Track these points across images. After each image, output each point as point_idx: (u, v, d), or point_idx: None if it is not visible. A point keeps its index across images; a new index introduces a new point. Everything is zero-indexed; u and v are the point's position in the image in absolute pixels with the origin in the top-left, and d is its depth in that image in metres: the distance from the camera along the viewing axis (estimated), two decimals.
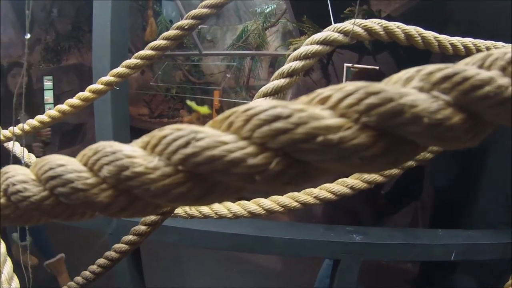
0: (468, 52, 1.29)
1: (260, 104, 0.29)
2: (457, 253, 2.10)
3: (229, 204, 1.35)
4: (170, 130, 0.31)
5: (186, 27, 1.36)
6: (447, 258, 2.11)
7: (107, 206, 0.33)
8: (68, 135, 7.20)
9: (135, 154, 0.32)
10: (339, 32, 1.03)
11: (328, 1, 1.74)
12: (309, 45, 1.02)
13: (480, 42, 1.34)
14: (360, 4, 4.58)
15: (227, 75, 6.54)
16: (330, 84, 3.89)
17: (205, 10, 1.34)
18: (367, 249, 1.97)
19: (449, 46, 1.22)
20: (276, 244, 1.97)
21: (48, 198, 0.34)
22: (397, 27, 1.10)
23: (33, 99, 7.01)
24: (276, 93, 1.06)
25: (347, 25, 1.03)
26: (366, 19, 3.50)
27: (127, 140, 2.24)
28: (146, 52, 1.45)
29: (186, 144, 0.30)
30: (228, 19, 6.89)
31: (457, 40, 1.26)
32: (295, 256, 2.27)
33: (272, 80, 1.06)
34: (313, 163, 0.29)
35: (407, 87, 0.28)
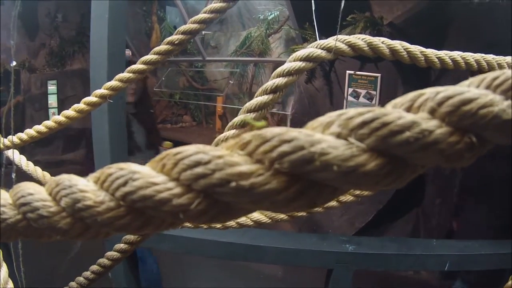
0: (456, 65, 1.29)
1: (188, 148, 0.32)
2: (452, 263, 2.09)
3: None
4: (114, 169, 0.34)
5: (176, 42, 1.38)
6: (441, 268, 2.10)
7: (66, 231, 0.36)
8: (72, 140, 7.23)
9: (87, 188, 0.35)
10: (322, 49, 1.04)
11: (313, 11, 1.74)
12: (292, 61, 1.03)
13: (469, 55, 1.34)
14: (362, 11, 4.59)
15: (230, 81, 6.56)
16: (332, 91, 3.89)
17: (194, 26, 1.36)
18: (360, 259, 1.97)
19: (436, 60, 1.22)
20: (268, 253, 1.98)
21: (21, 221, 0.38)
22: (382, 42, 1.10)
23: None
24: (260, 109, 1.08)
25: (330, 41, 1.04)
26: (368, 26, 3.50)
27: (125, 149, 2.25)
28: (138, 66, 1.47)
29: (125, 183, 0.33)
30: (232, 26, 6.91)
31: (444, 53, 1.26)
32: (288, 265, 2.27)
33: (256, 97, 1.08)
34: (232, 204, 0.31)
35: (325, 132, 0.30)
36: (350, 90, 4.73)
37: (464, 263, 2.17)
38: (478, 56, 1.35)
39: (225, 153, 0.30)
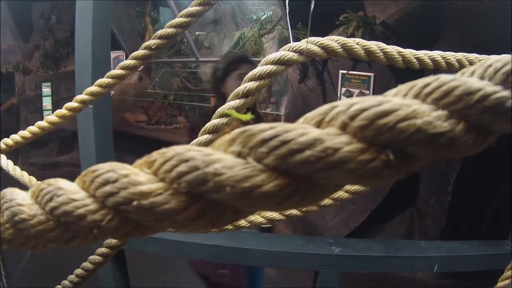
0: (436, 66, 1.27)
1: (102, 166, 0.33)
2: (440, 265, 2.07)
3: None
4: (45, 185, 0.35)
5: (153, 47, 1.38)
6: (430, 270, 2.09)
7: (9, 241, 0.38)
8: (66, 142, 7.22)
9: (24, 202, 0.36)
10: (294, 51, 1.03)
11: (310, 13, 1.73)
12: (263, 65, 1.02)
13: (450, 55, 1.31)
14: (355, 11, 4.59)
15: None
16: (325, 91, 3.88)
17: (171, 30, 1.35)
18: (346, 261, 1.96)
19: (414, 60, 1.20)
20: (254, 256, 1.96)
21: None
22: (357, 43, 1.08)
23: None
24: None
25: (302, 44, 1.02)
26: (360, 25, 3.49)
27: (111, 153, 2.24)
28: (117, 71, 1.48)
29: (51, 199, 0.34)
30: (226, 26, 6.90)
31: (424, 54, 1.23)
32: (274, 268, 2.26)
33: (228, 101, 1.08)
34: (141, 222, 0.32)
35: (227, 151, 0.29)
36: (343, 89, 4.73)
37: (454, 265, 2.15)
38: (460, 55, 1.33)
39: (132, 172, 0.31)
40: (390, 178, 0.29)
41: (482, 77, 0.30)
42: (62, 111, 1.59)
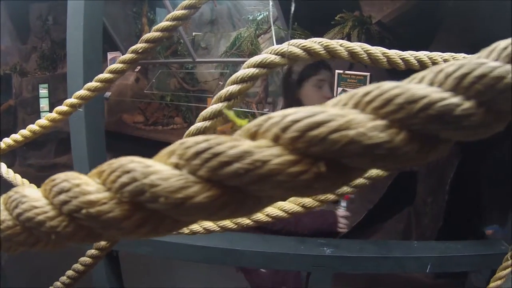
0: (422, 67, 1.27)
1: (59, 176, 0.34)
2: (433, 265, 2.07)
3: None
4: (12, 193, 0.37)
5: (140, 50, 1.38)
6: (422, 270, 2.09)
7: None
8: (64, 143, 7.22)
9: None
10: (276, 54, 1.03)
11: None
12: (246, 68, 1.03)
13: (437, 55, 1.30)
14: (351, 10, 4.59)
15: (220, 82, 6.54)
16: None
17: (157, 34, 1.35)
18: (337, 262, 1.96)
19: (400, 61, 1.19)
20: (246, 257, 1.97)
21: None
22: (340, 45, 1.08)
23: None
24: (215, 116, 1.09)
25: (284, 46, 1.02)
26: (356, 25, 3.48)
27: (103, 155, 2.24)
28: (105, 75, 1.49)
29: (17, 205, 0.35)
30: (222, 26, 6.89)
31: (409, 54, 1.22)
32: (266, 268, 2.26)
33: (211, 105, 1.09)
34: (92, 229, 0.33)
35: (167, 162, 0.30)
36: (340, 89, 4.73)
37: (446, 265, 2.15)
38: (447, 55, 1.32)
39: (84, 182, 0.33)
40: (326, 190, 0.29)
41: (431, 83, 0.30)
42: (53, 114, 1.60)
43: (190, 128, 1.14)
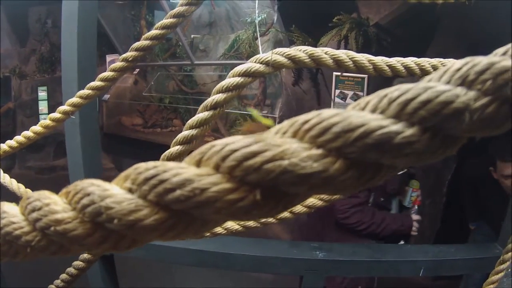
0: (410, 73, 1.27)
1: (33, 195, 0.36)
2: (426, 269, 2.08)
3: None
4: None
5: (130, 59, 1.41)
6: (415, 274, 2.09)
7: None
8: (62, 146, 7.21)
9: None
10: (260, 63, 1.04)
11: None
12: (231, 77, 1.04)
13: (425, 61, 1.30)
14: (349, 12, 4.59)
15: None
16: (319, 93, 3.88)
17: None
18: (330, 266, 1.96)
19: (386, 68, 1.19)
20: (238, 261, 1.98)
21: None
22: (325, 52, 1.09)
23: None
24: (201, 125, 1.11)
25: (269, 55, 1.03)
26: (354, 27, 3.47)
27: (98, 161, 2.25)
28: (96, 83, 1.52)
29: None
30: (221, 29, 6.90)
31: (396, 61, 1.23)
32: (258, 272, 2.26)
33: (198, 113, 1.11)
34: (62, 244, 0.35)
35: (122, 186, 0.32)
36: (337, 91, 4.72)
37: (440, 269, 2.15)
38: (435, 61, 1.32)
39: (53, 201, 0.35)
40: (265, 216, 0.30)
41: (374, 109, 0.30)
42: (46, 121, 1.64)
43: (178, 136, 1.16)
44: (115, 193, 0.32)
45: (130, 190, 0.31)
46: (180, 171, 0.30)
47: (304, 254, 1.98)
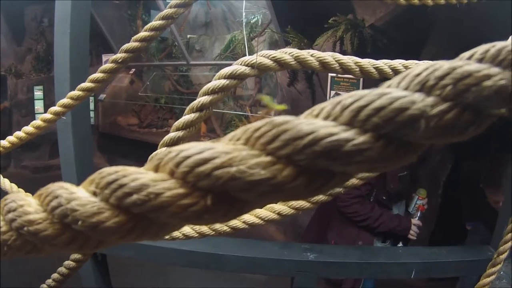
0: (396, 75, 1.26)
1: (9, 197, 0.37)
2: (417, 271, 2.07)
3: None
4: None
5: (120, 60, 1.42)
6: (407, 276, 2.09)
7: None
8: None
9: None
10: (246, 65, 1.05)
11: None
12: (217, 79, 1.05)
13: (413, 63, 1.29)
14: (345, 13, 4.59)
15: None
16: (315, 94, 3.88)
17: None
18: (321, 267, 1.96)
19: (373, 70, 1.19)
20: (229, 262, 1.98)
21: None
22: (311, 55, 1.09)
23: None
24: (188, 127, 1.11)
25: (254, 58, 1.04)
26: (349, 28, 3.46)
27: (90, 161, 2.25)
28: (86, 84, 1.53)
29: None
30: (217, 29, 6.90)
31: (383, 63, 1.22)
32: (249, 273, 2.26)
33: (185, 115, 1.11)
34: (35, 244, 0.36)
35: (87, 189, 0.34)
36: (333, 93, 4.72)
37: (431, 271, 2.15)
38: (422, 63, 1.32)
39: (27, 203, 0.36)
40: (217, 221, 0.31)
41: (327, 116, 0.30)
42: (38, 122, 1.65)
43: (164, 138, 1.16)
44: (80, 196, 0.33)
45: (94, 194, 0.33)
46: (138, 176, 0.31)
47: (294, 256, 1.98)
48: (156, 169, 0.32)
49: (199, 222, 0.31)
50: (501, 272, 2.32)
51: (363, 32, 4.45)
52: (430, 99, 0.29)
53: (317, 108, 0.31)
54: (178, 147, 0.31)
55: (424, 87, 0.30)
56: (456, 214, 4.15)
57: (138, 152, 6.72)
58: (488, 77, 0.30)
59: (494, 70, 0.30)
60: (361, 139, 0.28)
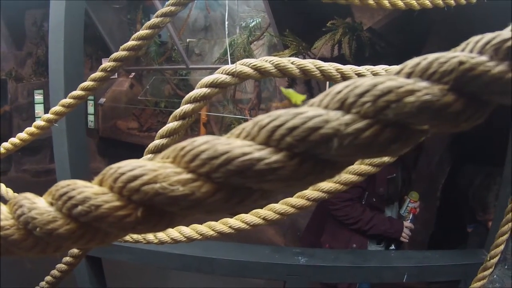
0: None
1: None
2: (410, 275, 2.08)
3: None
4: None
5: (109, 69, 1.45)
6: (398, 280, 2.09)
7: None
8: None
9: None
10: (226, 74, 1.07)
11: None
12: (198, 88, 1.07)
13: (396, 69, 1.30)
14: (343, 17, 4.60)
15: None
16: (313, 97, 3.91)
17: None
18: (312, 271, 1.97)
19: (355, 76, 1.20)
20: (221, 265, 1.99)
21: None
22: (291, 62, 1.10)
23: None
24: (171, 134, 1.13)
25: (234, 66, 1.06)
26: (347, 32, 3.47)
27: (86, 166, 2.27)
28: (78, 92, 1.56)
29: None
30: (216, 33, 6.93)
31: (365, 69, 1.22)
32: (240, 277, 2.27)
33: (168, 123, 1.13)
34: (6, 247, 0.39)
35: (46, 200, 0.37)
36: None
37: (423, 275, 2.15)
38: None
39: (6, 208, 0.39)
40: (149, 231, 0.35)
41: (247, 136, 0.32)
42: (31, 128, 1.68)
43: (149, 145, 1.19)
44: (39, 206, 0.36)
45: (51, 204, 0.36)
46: (84, 189, 0.34)
47: (286, 260, 1.98)
48: (100, 183, 0.34)
49: (135, 232, 0.34)
50: (495, 276, 2.32)
51: (361, 35, 4.46)
52: (346, 117, 0.30)
53: (239, 128, 0.32)
54: (117, 164, 0.34)
55: (344, 105, 0.30)
56: (456, 216, 4.15)
57: (138, 156, 6.64)
58: (411, 92, 0.30)
59: (420, 85, 0.31)
60: (273, 158, 0.29)
